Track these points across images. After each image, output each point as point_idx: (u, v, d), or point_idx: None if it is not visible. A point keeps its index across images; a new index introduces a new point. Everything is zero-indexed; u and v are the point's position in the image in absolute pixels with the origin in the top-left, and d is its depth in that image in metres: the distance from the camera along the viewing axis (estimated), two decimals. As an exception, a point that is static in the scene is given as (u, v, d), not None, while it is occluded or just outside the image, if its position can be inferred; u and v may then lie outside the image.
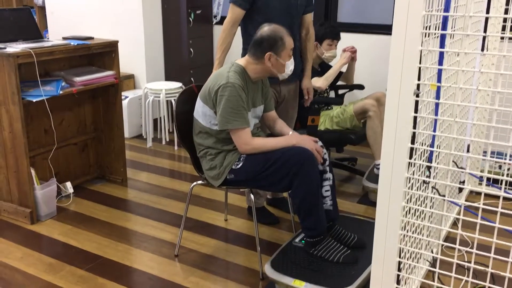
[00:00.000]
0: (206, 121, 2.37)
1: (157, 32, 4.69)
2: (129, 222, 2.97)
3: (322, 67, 3.43)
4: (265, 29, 2.32)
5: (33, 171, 2.93)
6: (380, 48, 4.20)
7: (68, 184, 3.27)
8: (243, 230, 2.89)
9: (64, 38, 3.23)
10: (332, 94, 3.68)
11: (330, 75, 3.25)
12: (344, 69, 3.48)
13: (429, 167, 1.99)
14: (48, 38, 3.72)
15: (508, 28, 2.79)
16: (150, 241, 2.75)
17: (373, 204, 3.13)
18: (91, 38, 3.26)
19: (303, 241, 2.44)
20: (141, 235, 2.83)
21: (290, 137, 2.36)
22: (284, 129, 2.52)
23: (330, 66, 3.43)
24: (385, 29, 4.16)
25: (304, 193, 2.25)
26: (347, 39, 4.10)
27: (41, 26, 5.55)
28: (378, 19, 4.29)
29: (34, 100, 2.82)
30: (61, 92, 2.94)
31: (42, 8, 5.56)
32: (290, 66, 2.38)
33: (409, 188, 1.76)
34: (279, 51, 2.30)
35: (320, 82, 3.20)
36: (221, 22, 4.84)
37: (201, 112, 2.38)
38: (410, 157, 1.70)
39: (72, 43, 3.02)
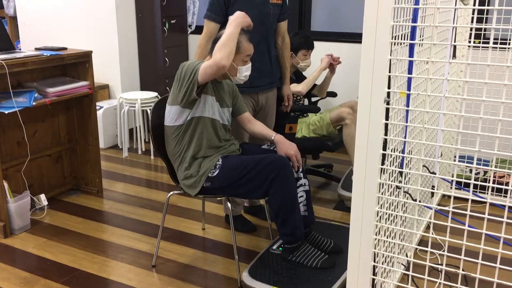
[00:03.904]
0: (173, 119, 2.36)
1: (132, 41, 4.67)
2: (105, 234, 2.95)
3: (296, 76, 3.50)
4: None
5: (6, 184, 2.88)
6: (353, 56, 4.28)
7: (42, 197, 3.22)
8: (221, 238, 2.90)
9: (37, 49, 3.20)
10: (305, 102, 3.73)
11: (310, 80, 3.37)
12: (319, 82, 3.55)
13: (401, 172, 2.04)
14: (20, 49, 3.67)
15: (473, 37, 2.88)
16: (127, 252, 2.73)
17: (349, 210, 3.16)
18: (65, 48, 3.23)
19: (280, 248, 2.46)
20: (118, 246, 2.80)
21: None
22: (265, 132, 2.52)
23: (304, 75, 3.50)
24: (358, 38, 4.24)
25: (281, 199, 2.28)
26: (320, 47, 4.17)
27: (12, 36, 5.47)
28: (351, 28, 4.37)
29: (6, 112, 2.78)
30: (34, 103, 2.91)
31: (14, 19, 5.48)
32: (244, 72, 2.38)
33: (382, 194, 1.80)
34: None
35: (301, 87, 3.30)
36: (196, 31, 4.85)
37: (170, 115, 2.38)
38: (382, 163, 1.74)
39: (45, 54, 3.00)
